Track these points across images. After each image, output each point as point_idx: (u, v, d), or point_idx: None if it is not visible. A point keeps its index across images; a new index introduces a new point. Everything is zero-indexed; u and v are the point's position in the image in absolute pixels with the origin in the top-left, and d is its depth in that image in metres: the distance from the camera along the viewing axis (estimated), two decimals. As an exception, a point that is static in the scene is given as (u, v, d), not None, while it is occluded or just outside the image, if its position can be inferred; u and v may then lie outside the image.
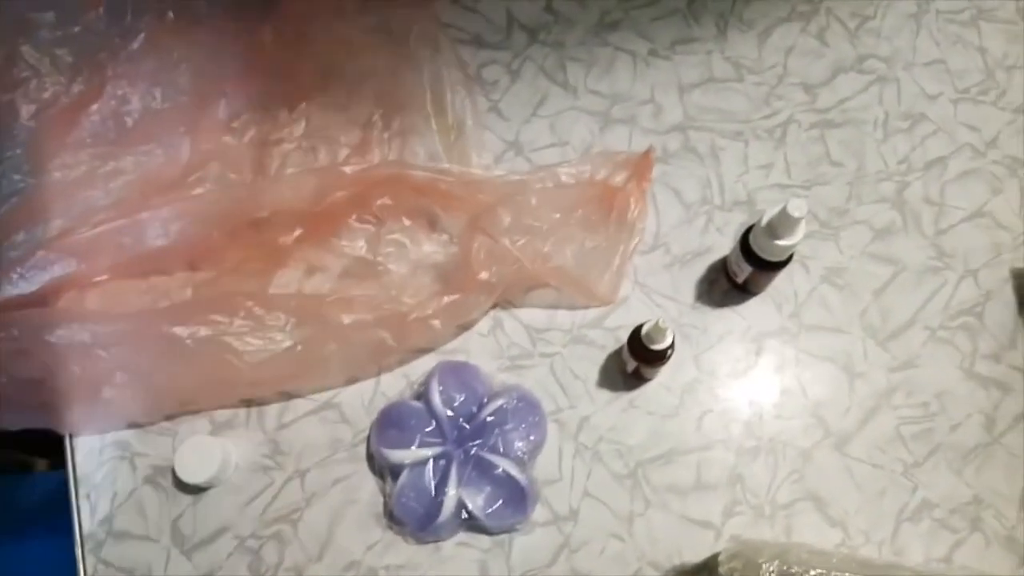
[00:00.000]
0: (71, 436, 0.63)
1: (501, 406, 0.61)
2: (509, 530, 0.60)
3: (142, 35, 0.67)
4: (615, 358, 0.64)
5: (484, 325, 0.66)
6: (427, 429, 0.60)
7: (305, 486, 0.62)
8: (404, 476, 0.59)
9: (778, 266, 0.60)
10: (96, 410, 0.61)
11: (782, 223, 0.56)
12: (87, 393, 0.60)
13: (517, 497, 0.59)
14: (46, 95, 0.66)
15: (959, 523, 0.61)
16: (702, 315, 0.66)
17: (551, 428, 0.63)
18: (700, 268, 0.67)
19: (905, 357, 0.65)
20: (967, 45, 0.74)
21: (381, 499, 0.61)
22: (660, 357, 0.58)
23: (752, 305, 0.66)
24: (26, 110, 0.66)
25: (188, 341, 0.58)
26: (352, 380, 0.64)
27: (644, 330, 0.57)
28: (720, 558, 0.54)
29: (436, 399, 0.61)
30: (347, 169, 0.65)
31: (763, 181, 0.70)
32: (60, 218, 0.64)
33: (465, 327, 0.65)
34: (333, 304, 0.61)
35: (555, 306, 0.66)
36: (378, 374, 0.64)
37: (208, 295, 0.64)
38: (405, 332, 0.61)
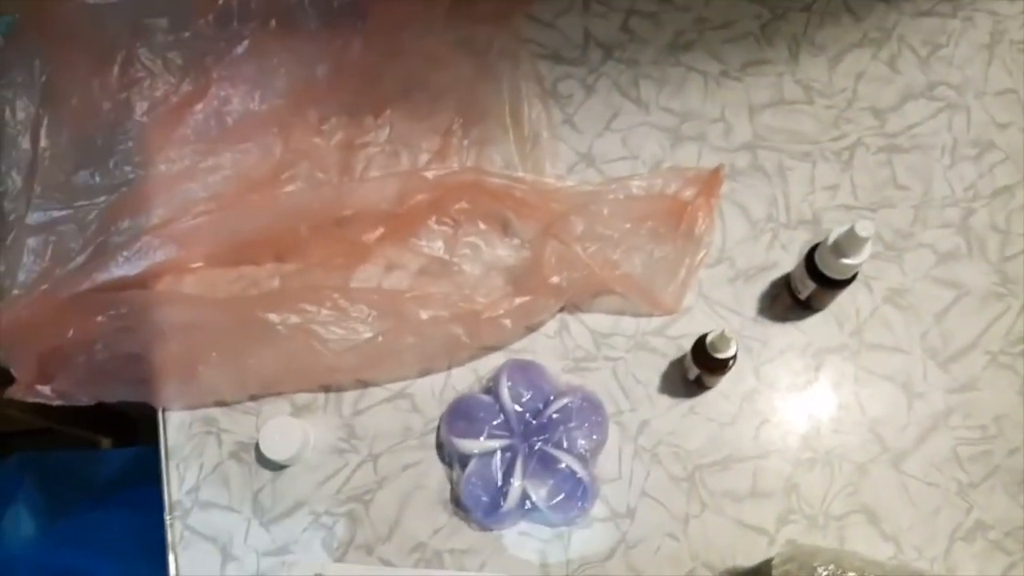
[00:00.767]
0: (163, 410, 0.68)
1: (566, 405, 0.63)
2: (569, 523, 0.63)
3: (246, 41, 0.71)
4: (677, 365, 0.67)
5: (551, 327, 0.68)
6: (495, 422, 0.63)
7: (377, 469, 0.65)
8: (472, 465, 0.62)
9: (842, 284, 0.62)
10: (189, 387, 0.66)
11: (849, 242, 0.57)
12: (182, 371, 0.65)
13: (578, 492, 0.61)
14: (157, 94, 0.71)
15: (1013, 546, 0.61)
16: (763, 328, 0.68)
17: (612, 429, 0.65)
18: (763, 283, 0.69)
19: (965, 380, 0.66)
20: (1040, 76, 0.75)
21: (448, 486, 0.64)
22: (722, 366, 0.61)
23: (813, 321, 0.68)
24: (139, 107, 0.71)
25: (280, 327, 0.62)
26: (425, 372, 0.67)
27: (709, 339, 0.59)
28: (774, 560, 0.55)
29: (505, 394, 0.64)
30: (428, 174, 0.68)
31: (829, 201, 0.71)
32: (162, 208, 0.69)
33: (533, 328, 0.68)
34: (412, 300, 0.65)
35: (620, 312, 0.68)
36: (449, 368, 0.68)
37: (296, 286, 0.68)
38: (478, 329, 0.65)
